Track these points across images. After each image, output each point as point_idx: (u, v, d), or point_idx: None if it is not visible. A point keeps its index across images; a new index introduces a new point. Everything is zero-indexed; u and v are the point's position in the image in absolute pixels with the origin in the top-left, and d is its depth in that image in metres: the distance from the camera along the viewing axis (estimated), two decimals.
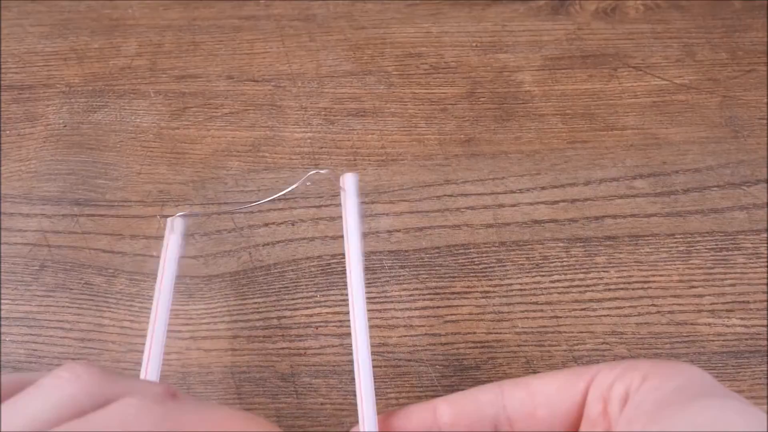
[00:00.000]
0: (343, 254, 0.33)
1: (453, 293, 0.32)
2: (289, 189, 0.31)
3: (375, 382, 0.29)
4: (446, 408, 0.22)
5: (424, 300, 0.32)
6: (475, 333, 0.31)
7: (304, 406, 0.29)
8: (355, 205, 0.27)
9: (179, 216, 0.29)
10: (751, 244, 0.33)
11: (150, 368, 0.25)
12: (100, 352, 0.30)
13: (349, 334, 0.31)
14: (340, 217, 0.34)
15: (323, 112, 0.39)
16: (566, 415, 0.20)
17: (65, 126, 0.38)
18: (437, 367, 0.30)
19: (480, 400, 0.21)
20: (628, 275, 0.32)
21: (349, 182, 0.28)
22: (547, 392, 0.20)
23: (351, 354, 0.30)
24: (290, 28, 0.43)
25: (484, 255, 0.33)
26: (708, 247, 0.33)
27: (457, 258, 0.33)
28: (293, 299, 0.32)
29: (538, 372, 0.30)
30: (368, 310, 0.31)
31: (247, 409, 0.29)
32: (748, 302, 0.32)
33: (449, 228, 0.34)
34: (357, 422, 0.23)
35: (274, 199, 0.32)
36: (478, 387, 0.22)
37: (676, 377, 0.19)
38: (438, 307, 0.32)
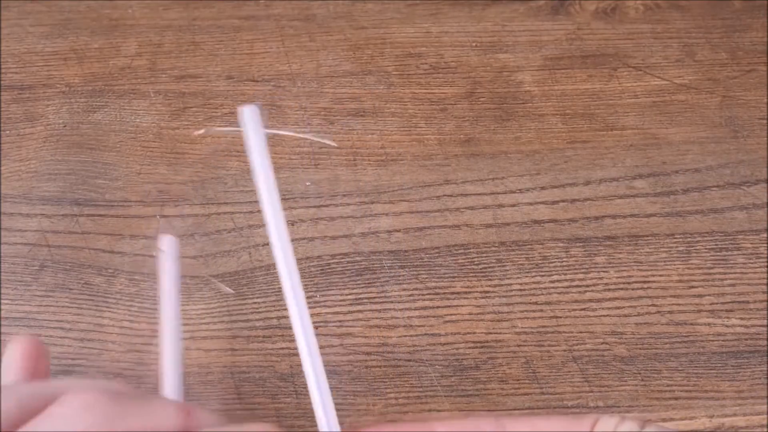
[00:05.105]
0: (344, 254, 0.33)
1: (453, 293, 0.32)
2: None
3: (375, 382, 0.29)
4: (444, 430, 0.21)
5: (423, 300, 0.32)
6: (474, 333, 0.31)
7: (303, 406, 0.29)
8: (260, 141, 0.24)
9: (168, 236, 0.28)
10: (751, 244, 0.33)
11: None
12: (100, 352, 0.30)
13: (349, 334, 0.31)
14: (341, 217, 0.35)
15: (323, 112, 0.39)
16: None
17: (65, 126, 0.38)
18: (437, 367, 0.30)
19: (481, 427, 0.21)
20: (627, 275, 0.32)
21: (247, 117, 0.24)
22: (553, 429, 0.21)
23: (351, 354, 0.30)
24: (290, 28, 0.43)
25: (484, 255, 0.33)
26: (708, 247, 0.33)
27: (456, 258, 0.33)
28: None
29: (537, 372, 0.30)
30: (368, 310, 0.32)
31: (247, 410, 0.29)
32: (747, 302, 0.32)
33: (449, 228, 0.34)
34: (360, 422, 0.23)
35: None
36: (475, 416, 0.22)
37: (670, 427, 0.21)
38: (438, 307, 0.32)
